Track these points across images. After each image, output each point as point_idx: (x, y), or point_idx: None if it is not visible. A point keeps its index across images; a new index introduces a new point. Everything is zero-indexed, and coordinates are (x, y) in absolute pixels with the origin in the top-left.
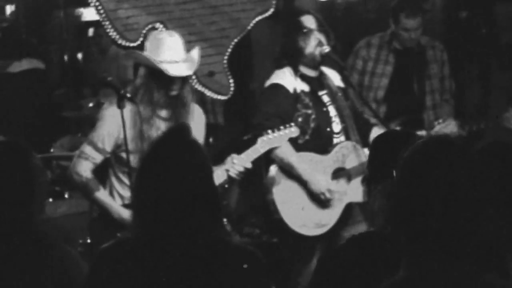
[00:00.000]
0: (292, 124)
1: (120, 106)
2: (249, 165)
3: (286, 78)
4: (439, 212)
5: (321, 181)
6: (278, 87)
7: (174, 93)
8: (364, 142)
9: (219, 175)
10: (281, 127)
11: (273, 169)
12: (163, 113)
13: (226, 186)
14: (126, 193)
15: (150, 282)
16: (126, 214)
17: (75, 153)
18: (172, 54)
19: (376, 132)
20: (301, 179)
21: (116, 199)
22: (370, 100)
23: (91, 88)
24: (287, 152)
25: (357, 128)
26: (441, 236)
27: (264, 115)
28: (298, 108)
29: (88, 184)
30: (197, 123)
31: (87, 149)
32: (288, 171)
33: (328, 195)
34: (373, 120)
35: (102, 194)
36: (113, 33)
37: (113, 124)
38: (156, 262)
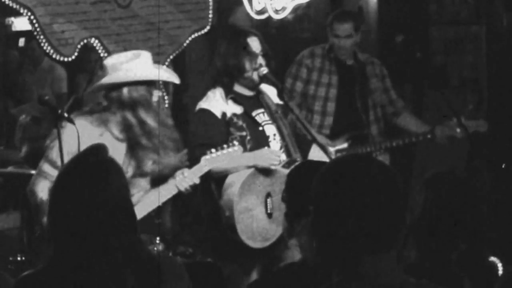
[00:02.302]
0: (236, 143)
1: (57, 126)
2: (197, 181)
3: (216, 102)
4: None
5: (267, 157)
6: (205, 113)
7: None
8: (305, 158)
9: (169, 189)
10: (225, 146)
11: (246, 180)
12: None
13: (160, 205)
14: None
15: None
16: None
17: (36, 171)
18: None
19: (314, 150)
20: (249, 166)
21: None
22: (317, 111)
23: (18, 100)
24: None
25: (298, 144)
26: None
27: (193, 143)
28: (232, 131)
29: (41, 207)
30: None
31: (45, 166)
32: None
33: (276, 160)
34: (310, 137)
35: None
36: (47, 47)
37: (72, 140)
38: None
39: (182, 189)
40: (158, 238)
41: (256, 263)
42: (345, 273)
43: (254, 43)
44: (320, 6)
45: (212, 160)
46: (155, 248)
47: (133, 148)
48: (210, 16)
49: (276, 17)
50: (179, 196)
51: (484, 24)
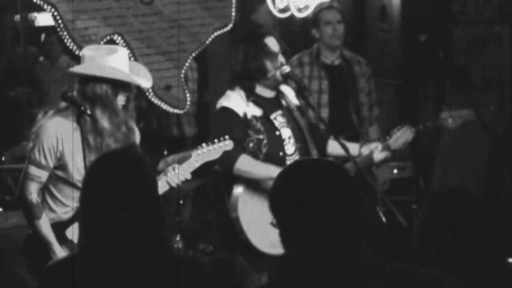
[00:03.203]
0: (227, 137)
1: (80, 122)
2: (188, 176)
3: (237, 102)
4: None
5: None
6: (228, 111)
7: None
8: (322, 155)
9: (160, 186)
10: (215, 140)
11: (238, 188)
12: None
13: (181, 202)
14: (59, 209)
15: None
16: (60, 253)
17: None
18: (125, 67)
19: (332, 144)
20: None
21: (47, 213)
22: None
23: (38, 97)
24: (248, 163)
25: (314, 142)
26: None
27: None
28: (250, 134)
29: (31, 209)
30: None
31: (31, 169)
32: (253, 187)
33: None
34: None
35: (43, 224)
36: (70, 44)
37: (51, 138)
38: (103, 277)
39: (174, 185)
40: (178, 236)
41: (268, 264)
42: (322, 267)
43: (272, 43)
44: (342, 5)
45: (203, 156)
46: (175, 246)
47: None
48: (233, 14)
49: (299, 15)
50: (200, 193)
51: (507, 24)
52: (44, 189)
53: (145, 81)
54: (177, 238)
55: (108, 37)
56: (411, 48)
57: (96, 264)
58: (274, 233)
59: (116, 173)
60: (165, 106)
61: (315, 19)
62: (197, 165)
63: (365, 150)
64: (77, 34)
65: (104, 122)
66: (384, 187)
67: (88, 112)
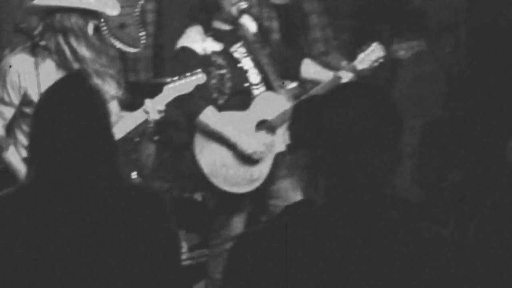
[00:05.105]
0: (199, 70)
1: (35, 54)
2: (163, 107)
3: (195, 39)
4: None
5: (249, 143)
6: (187, 51)
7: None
8: (294, 76)
9: (137, 116)
10: (188, 74)
11: (198, 137)
12: None
13: (137, 139)
14: None
15: (47, 228)
16: None
17: None
18: None
19: (306, 64)
20: (229, 142)
21: (22, 152)
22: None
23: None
24: (210, 118)
25: (283, 65)
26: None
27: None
28: (211, 70)
29: None
30: None
31: None
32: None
33: (256, 156)
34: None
35: (11, 156)
36: None
37: (13, 74)
38: (51, 207)
39: (150, 110)
40: (135, 173)
41: (245, 200)
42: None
43: None
44: None
45: (176, 88)
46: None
47: None
48: None
49: None
50: (157, 131)
51: None
52: (16, 128)
53: (111, 9)
54: (134, 176)
55: None
56: None
57: (46, 196)
58: (239, 172)
59: (67, 105)
60: (119, 45)
61: None
62: (168, 99)
63: None
64: None
65: (83, 51)
66: None
67: (42, 43)
